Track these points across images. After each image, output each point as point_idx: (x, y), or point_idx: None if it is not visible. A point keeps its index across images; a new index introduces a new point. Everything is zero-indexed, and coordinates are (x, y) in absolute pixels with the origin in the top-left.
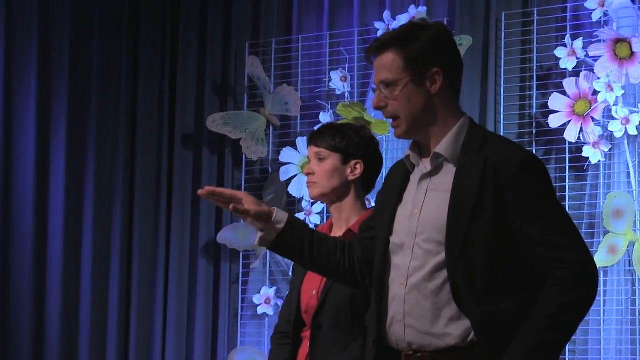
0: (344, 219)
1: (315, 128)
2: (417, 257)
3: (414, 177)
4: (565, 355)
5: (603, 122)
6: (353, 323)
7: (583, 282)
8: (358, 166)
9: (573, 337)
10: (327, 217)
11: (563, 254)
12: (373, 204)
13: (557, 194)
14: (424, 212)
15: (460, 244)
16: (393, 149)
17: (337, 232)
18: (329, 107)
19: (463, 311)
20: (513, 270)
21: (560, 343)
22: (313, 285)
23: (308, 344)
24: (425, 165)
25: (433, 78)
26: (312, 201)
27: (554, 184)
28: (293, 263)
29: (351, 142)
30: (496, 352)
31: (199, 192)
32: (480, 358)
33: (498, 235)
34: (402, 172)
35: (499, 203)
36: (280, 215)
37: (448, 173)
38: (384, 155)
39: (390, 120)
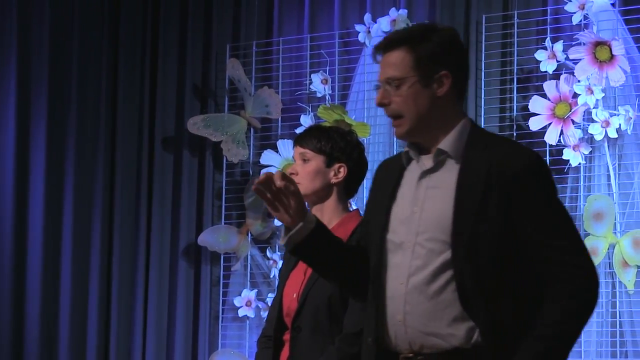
0: (325, 221)
1: (296, 131)
2: (419, 256)
3: (410, 175)
4: None
5: (583, 125)
6: (332, 326)
7: (586, 287)
8: (341, 170)
9: None
10: None
11: (566, 258)
12: (354, 207)
13: None
14: (425, 211)
15: (466, 243)
16: (374, 151)
17: None
18: (310, 109)
19: (468, 312)
20: (519, 271)
21: (566, 349)
22: (294, 289)
23: (288, 346)
24: (425, 162)
25: (441, 81)
26: None
27: None
28: (279, 266)
29: (336, 146)
30: (501, 354)
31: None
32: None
33: (504, 235)
34: (394, 169)
35: (503, 202)
36: (311, 215)
37: (450, 170)
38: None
39: (387, 121)
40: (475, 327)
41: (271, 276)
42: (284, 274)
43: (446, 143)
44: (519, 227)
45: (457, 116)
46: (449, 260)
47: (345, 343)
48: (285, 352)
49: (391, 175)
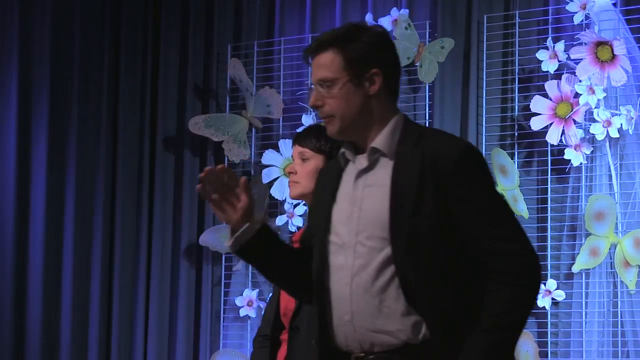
0: None
1: (298, 130)
2: (361, 255)
3: (348, 176)
4: (547, 356)
5: (585, 125)
6: None
7: (527, 274)
8: None
9: (555, 339)
10: None
11: (506, 246)
12: None
13: (539, 196)
14: (363, 210)
15: (406, 238)
16: None
17: None
18: (311, 109)
19: (413, 306)
20: (462, 262)
21: (513, 339)
22: None
23: (286, 346)
24: (361, 161)
25: (372, 79)
26: (294, 203)
27: (536, 187)
28: None
29: (335, 145)
30: (450, 348)
31: (198, 187)
32: (436, 356)
33: (443, 228)
34: (334, 171)
35: (439, 194)
36: (259, 216)
37: (384, 168)
38: None
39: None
40: (422, 321)
41: None
42: None
43: (379, 141)
44: (456, 218)
45: (390, 113)
46: (390, 256)
47: None
48: (282, 352)
49: (331, 177)
